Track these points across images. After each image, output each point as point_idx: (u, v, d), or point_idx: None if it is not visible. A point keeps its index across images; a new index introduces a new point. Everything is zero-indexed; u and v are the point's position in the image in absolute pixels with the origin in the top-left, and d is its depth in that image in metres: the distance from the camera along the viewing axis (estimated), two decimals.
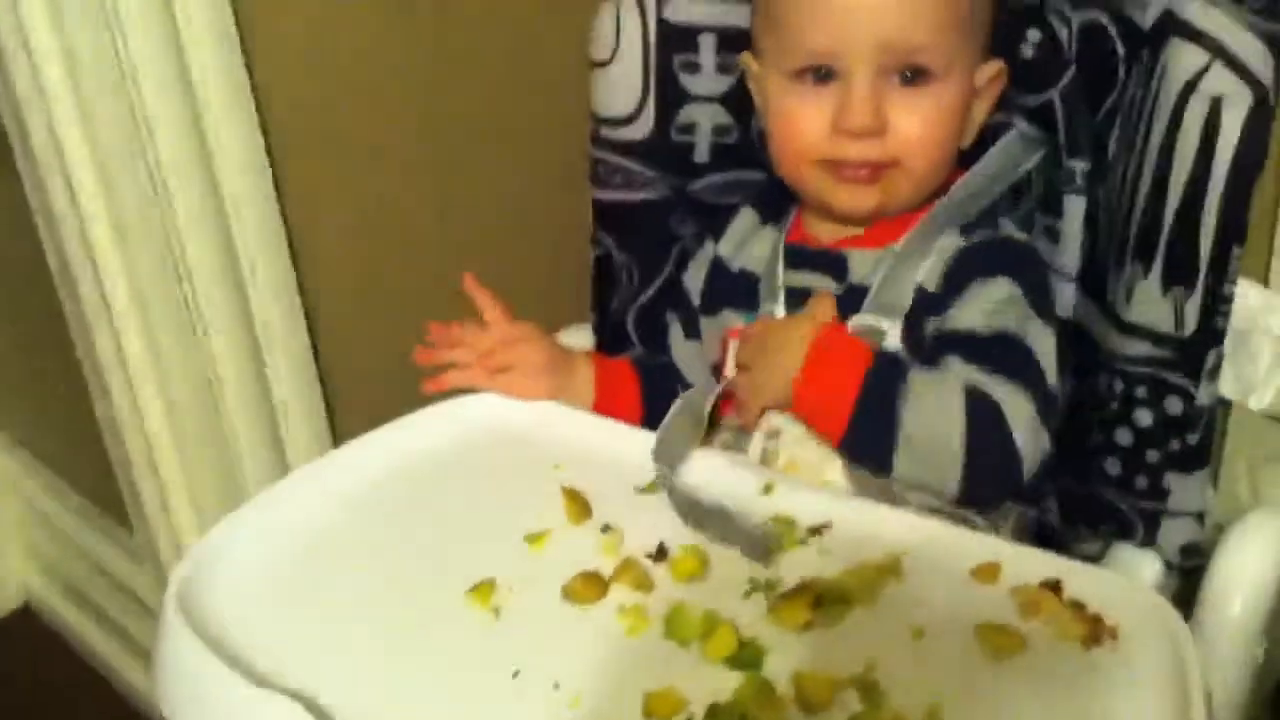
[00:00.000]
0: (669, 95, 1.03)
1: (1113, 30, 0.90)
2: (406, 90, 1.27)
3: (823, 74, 0.87)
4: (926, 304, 0.88)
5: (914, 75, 0.86)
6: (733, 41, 1.02)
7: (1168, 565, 0.91)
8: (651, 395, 1.04)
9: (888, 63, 0.85)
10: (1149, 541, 0.91)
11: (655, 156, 1.05)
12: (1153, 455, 0.89)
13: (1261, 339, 0.93)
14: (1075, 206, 0.95)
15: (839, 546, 0.77)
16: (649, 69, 1.02)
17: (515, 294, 0.97)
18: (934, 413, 0.81)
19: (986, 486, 0.84)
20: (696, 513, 0.79)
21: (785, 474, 0.86)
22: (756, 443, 0.90)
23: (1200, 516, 0.90)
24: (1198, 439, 0.88)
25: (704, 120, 1.05)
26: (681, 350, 1.06)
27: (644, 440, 0.85)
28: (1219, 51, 0.80)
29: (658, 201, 1.07)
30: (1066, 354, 0.89)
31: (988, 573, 0.74)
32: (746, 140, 1.06)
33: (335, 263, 1.27)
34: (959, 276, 0.88)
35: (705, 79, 1.04)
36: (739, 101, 1.04)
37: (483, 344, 0.95)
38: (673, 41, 1.02)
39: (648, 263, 1.09)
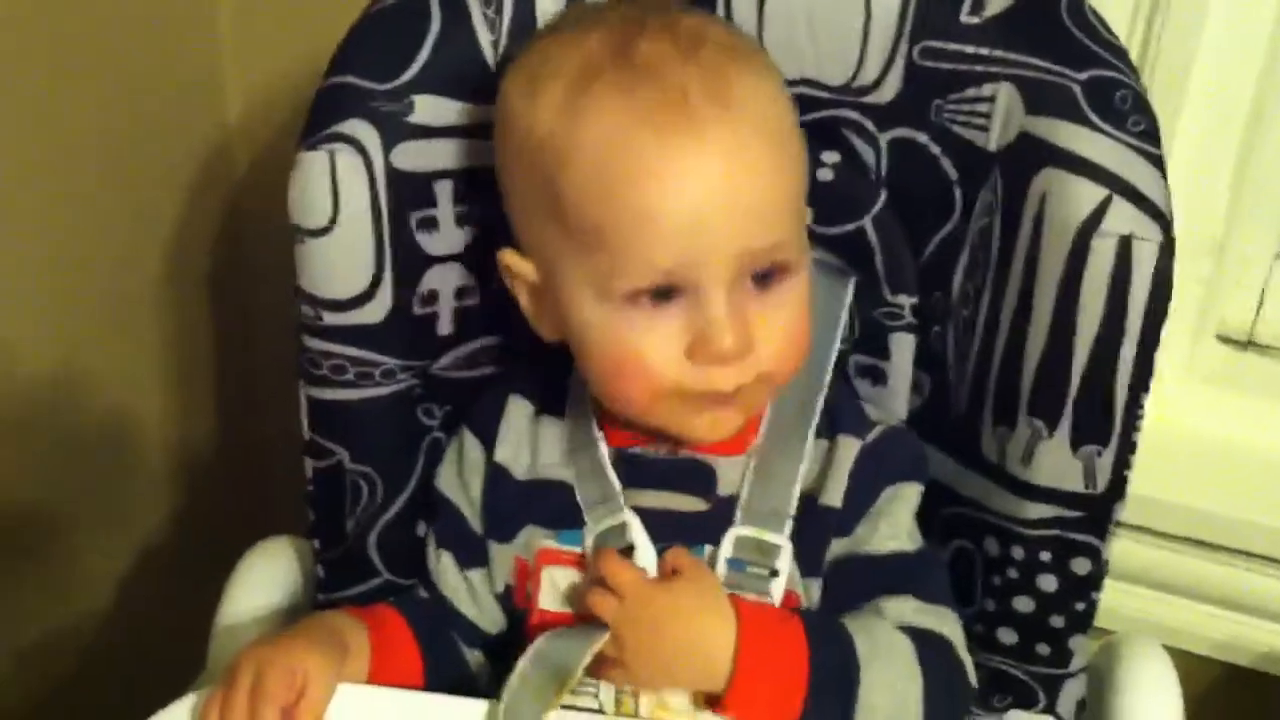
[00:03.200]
0: (408, 263, 0.81)
1: (935, 150, 0.80)
2: None
3: (663, 292, 0.69)
4: (827, 522, 0.75)
5: (770, 274, 0.70)
6: (472, 187, 0.81)
7: None
8: (431, 647, 0.81)
9: (744, 269, 0.69)
10: (1050, 708, 0.83)
11: (397, 341, 0.82)
12: (1057, 620, 0.80)
13: None
14: (903, 345, 0.84)
15: None
16: (382, 234, 0.79)
17: None
18: (890, 680, 0.71)
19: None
20: None
21: None
22: (608, 690, 0.73)
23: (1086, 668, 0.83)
24: (1098, 595, 0.80)
25: (445, 285, 0.83)
26: (453, 580, 0.82)
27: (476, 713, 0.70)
28: (1116, 184, 0.72)
29: (402, 393, 0.84)
30: None
31: None
32: (488, 301, 0.85)
33: None
34: (869, 489, 0.76)
35: (444, 236, 0.82)
36: (480, 256, 0.83)
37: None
38: (407, 196, 0.79)
39: (393, 471, 0.85)
